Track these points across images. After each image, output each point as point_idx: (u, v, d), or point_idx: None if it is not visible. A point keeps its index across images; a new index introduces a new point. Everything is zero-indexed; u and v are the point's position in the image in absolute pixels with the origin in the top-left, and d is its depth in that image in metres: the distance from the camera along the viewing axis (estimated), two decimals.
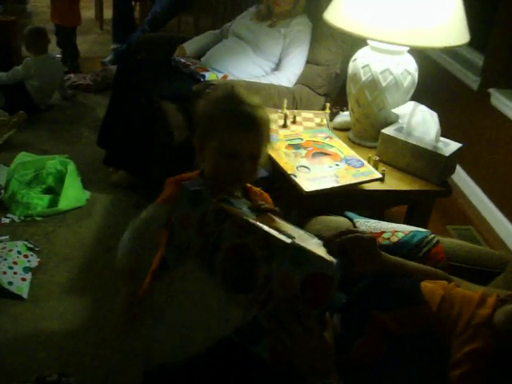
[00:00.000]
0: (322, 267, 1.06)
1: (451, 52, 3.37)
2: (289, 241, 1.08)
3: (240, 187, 1.35)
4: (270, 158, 1.87)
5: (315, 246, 1.12)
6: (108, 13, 5.33)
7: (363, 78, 2.05)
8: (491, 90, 2.87)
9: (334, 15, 2.00)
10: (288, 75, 2.71)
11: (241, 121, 1.24)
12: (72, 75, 4.26)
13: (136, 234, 1.30)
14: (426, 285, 1.23)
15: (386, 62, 2.01)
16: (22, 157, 2.92)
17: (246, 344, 1.14)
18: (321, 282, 1.07)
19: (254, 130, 1.25)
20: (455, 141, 2.01)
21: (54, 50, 4.28)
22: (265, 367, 1.13)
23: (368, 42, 2.07)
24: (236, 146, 1.25)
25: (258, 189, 1.43)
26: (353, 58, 2.13)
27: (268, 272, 1.10)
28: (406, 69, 2.03)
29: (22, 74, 3.60)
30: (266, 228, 1.12)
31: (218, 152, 1.26)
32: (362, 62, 2.06)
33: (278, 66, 2.79)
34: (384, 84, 2.02)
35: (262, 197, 1.40)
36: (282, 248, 1.08)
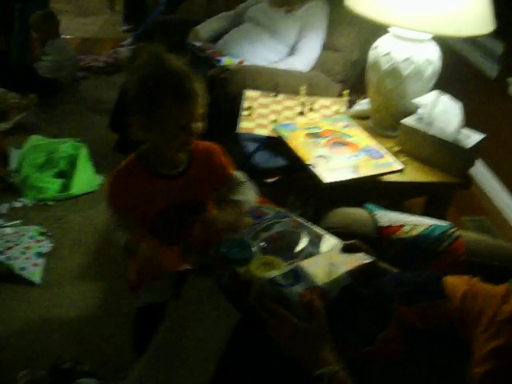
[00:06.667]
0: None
1: (469, 39, 3.31)
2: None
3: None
4: (288, 147, 1.84)
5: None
6: None
7: (384, 67, 2.00)
8: (510, 80, 2.81)
9: (355, 1, 1.95)
10: (303, 59, 2.66)
11: (186, 92, 1.34)
12: (84, 56, 4.23)
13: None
14: (449, 279, 1.21)
15: (408, 50, 1.97)
16: (34, 140, 2.90)
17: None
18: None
19: (197, 98, 1.37)
20: (472, 130, 1.98)
21: None
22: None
23: (389, 29, 2.02)
24: (186, 116, 1.36)
25: (204, 144, 1.53)
26: (373, 46, 2.08)
27: None
28: (428, 57, 1.98)
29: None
30: None
31: (169, 126, 1.36)
32: (383, 50, 2.01)
33: (293, 50, 2.74)
34: (405, 73, 1.97)
35: (210, 153, 1.52)
36: None
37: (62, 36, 3.88)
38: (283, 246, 1.34)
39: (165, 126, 1.37)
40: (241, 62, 2.60)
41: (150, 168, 1.46)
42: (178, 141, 1.40)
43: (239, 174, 1.56)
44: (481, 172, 3.12)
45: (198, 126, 1.40)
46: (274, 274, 1.22)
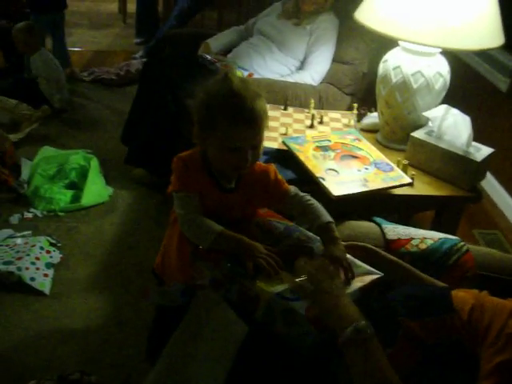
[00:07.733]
0: None
1: (480, 52, 3.30)
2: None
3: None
4: (298, 160, 1.84)
5: None
6: (131, 6, 5.31)
7: (394, 80, 2.00)
8: None
9: (365, 15, 1.96)
10: (312, 73, 2.68)
11: (243, 116, 1.26)
12: (96, 69, 4.26)
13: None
14: (457, 293, 1.21)
15: (418, 64, 1.97)
16: (45, 151, 2.93)
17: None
18: None
19: (256, 124, 1.28)
20: (483, 144, 1.97)
21: None
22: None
23: (399, 42, 2.02)
24: (239, 140, 1.28)
25: (261, 165, 1.47)
26: (383, 59, 2.09)
27: None
28: (438, 71, 1.98)
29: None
30: None
31: (221, 145, 1.30)
32: (393, 64, 2.01)
33: (303, 65, 2.76)
34: (415, 86, 1.97)
35: (267, 173, 1.46)
36: None
37: (75, 48, 3.86)
38: (292, 260, 1.34)
39: (215, 144, 1.31)
40: (250, 75, 2.61)
41: (209, 170, 1.40)
42: (229, 162, 1.32)
43: (294, 188, 1.51)
44: (492, 186, 3.10)
45: (257, 152, 1.34)
46: (281, 288, 1.21)
